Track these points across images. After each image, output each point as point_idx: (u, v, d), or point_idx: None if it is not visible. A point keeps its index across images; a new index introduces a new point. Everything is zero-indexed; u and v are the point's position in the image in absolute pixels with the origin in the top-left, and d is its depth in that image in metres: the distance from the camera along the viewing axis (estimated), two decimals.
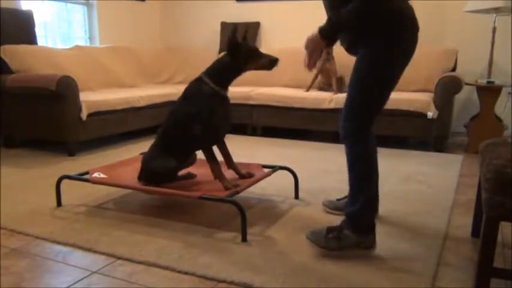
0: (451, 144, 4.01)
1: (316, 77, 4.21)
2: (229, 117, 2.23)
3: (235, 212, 1.93)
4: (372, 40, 1.67)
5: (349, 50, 1.85)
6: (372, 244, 1.76)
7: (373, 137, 1.79)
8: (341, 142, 1.82)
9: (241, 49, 2.10)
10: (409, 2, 1.71)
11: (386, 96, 1.76)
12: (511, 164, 1.34)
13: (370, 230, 1.76)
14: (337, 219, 1.83)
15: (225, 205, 2.13)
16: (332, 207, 2.24)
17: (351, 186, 1.79)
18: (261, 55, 2.12)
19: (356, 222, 1.75)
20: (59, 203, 2.32)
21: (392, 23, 1.64)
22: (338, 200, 2.26)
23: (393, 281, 1.58)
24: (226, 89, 2.17)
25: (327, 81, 4.22)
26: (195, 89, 2.16)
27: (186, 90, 2.20)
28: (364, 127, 1.76)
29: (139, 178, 2.23)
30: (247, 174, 2.28)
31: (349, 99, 1.76)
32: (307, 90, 4.23)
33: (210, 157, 2.15)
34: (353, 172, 1.78)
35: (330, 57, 4.07)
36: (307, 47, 1.73)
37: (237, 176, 2.27)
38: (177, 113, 2.19)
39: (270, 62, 2.09)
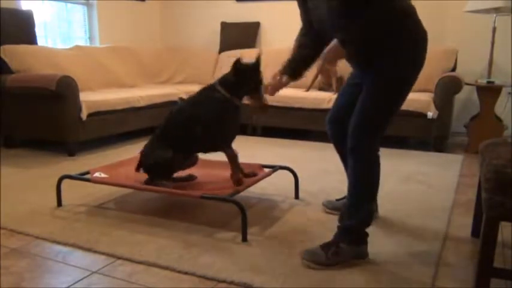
0: (451, 144, 4.01)
1: (316, 77, 4.21)
2: (238, 125, 2.27)
3: (235, 212, 1.93)
4: (378, 45, 1.64)
5: (353, 60, 1.84)
6: (366, 254, 1.74)
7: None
8: (349, 154, 1.74)
9: (245, 74, 2.14)
10: (416, 15, 1.68)
11: (399, 108, 1.75)
12: (511, 164, 1.34)
13: (364, 240, 1.74)
14: (336, 219, 1.82)
15: (226, 205, 2.13)
16: (331, 207, 2.25)
17: (352, 199, 1.74)
18: (259, 94, 2.17)
19: (352, 236, 1.73)
20: (59, 203, 2.32)
21: (393, 23, 1.61)
22: (337, 200, 2.26)
23: (393, 281, 1.58)
24: (238, 97, 2.19)
25: (327, 81, 4.20)
26: (205, 95, 2.20)
27: (198, 95, 2.23)
28: (378, 141, 1.73)
29: (137, 168, 2.25)
30: (250, 173, 2.29)
31: (363, 115, 1.70)
32: (307, 90, 4.23)
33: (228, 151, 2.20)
34: (358, 186, 1.73)
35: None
36: (327, 57, 1.72)
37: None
38: (184, 114, 2.20)
39: (260, 108, 2.18)
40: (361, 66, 1.84)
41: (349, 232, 1.73)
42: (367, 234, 1.75)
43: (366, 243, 1.75)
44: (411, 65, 1.68)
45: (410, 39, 1.65)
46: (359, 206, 1.72)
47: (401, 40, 1.64)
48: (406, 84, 1.70)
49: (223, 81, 2.18)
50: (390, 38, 1.63)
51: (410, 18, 1.66)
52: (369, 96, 1.70)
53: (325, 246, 1.71)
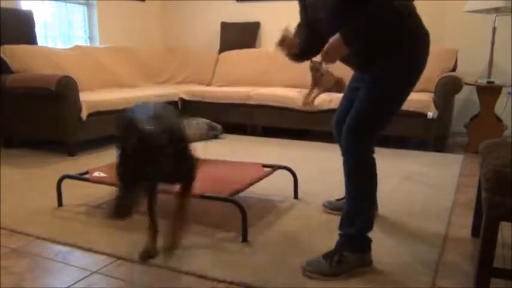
0: (451, 144, 4.01)
1: (311, 91, 4.19)
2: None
3: (235, 212, 1.93)
4: (388, 52, 1.60)
5: (352, 60, 1.77)
6: (370, 261, 1.68)
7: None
8: (343, 156, 1.71)
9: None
10: (417, 15, 1.65)
11: (399, 109, 1.71)
12: (511, 164, 1.34)
13: (368, 247, 1.68)
14: (336, 219, 1.82)
15: (226, 205, 2.13)
16: (332, 207, 2.24)
17: (351, 204, 1.67)
18: None
19: (355, 244, 1.66)
20: (59, 203, 2.32)
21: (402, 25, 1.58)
22: (338, 200, 2.26)
23: (393, 280, 1.58)
24: None
25: (327, 89, 4.17)
26: None
27: None
28: (373, 143, 1.69)
29: None
30: None
31: (360, 116, 1.64)
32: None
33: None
34: (355, 190, 1.67)
35: (323, 70, 4.07)
36: (328, 51, 1.59)
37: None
38: None
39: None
40: (360, 67, 1.81)
41: (351, 240, 1.66)
42: (370, 240, 1.68)
43: (369, 249, 1.68)
44: (412, 64, 1.64)
45: (411, 38, 1.61)
46: (359, 211, 1.65)
47: (401, 39, 1.60)
48: (406, 84, 1.66)
49: None
50: (390, 36, 1.59)
51: (410, 17, 1.62)
52: (366, 96, 1.65)
53: (328, 256, 1.64)
